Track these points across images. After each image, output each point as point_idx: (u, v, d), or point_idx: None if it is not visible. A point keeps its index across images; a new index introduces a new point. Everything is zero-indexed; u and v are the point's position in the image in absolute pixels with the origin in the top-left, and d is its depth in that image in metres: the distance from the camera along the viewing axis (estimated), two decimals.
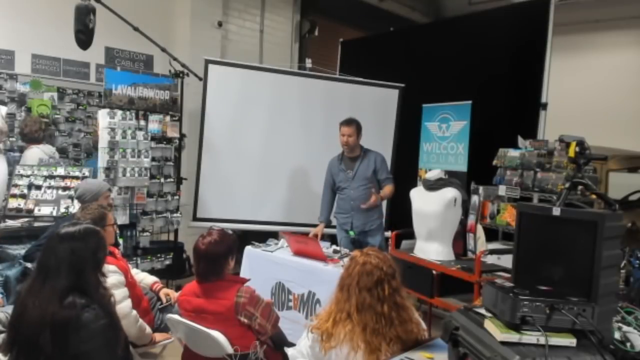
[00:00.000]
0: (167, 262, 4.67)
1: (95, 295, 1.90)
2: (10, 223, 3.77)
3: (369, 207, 4.06)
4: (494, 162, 3.80)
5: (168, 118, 4.75)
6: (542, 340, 1.38)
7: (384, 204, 5.20)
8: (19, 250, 3.44)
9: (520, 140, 3.76)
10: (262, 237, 4.19)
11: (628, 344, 1.59)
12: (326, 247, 3.88)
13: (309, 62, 6.06)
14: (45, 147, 4.47)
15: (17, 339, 1.86)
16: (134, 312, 2.73)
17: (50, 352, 1.79)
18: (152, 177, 4.58)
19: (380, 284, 1.95)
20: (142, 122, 4.53)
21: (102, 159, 4.23)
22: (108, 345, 1.88)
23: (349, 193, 4.22)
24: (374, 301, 1.93)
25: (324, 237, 4.61)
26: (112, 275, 2.64)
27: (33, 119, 4.51)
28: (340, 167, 4.28)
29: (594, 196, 2.48)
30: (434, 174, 3.45)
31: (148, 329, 2.83)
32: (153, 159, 4.57)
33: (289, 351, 2.22)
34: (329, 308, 2.06)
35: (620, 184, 4.82)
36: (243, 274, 3.83)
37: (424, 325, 2.06)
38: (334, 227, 4.47)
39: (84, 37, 3.91)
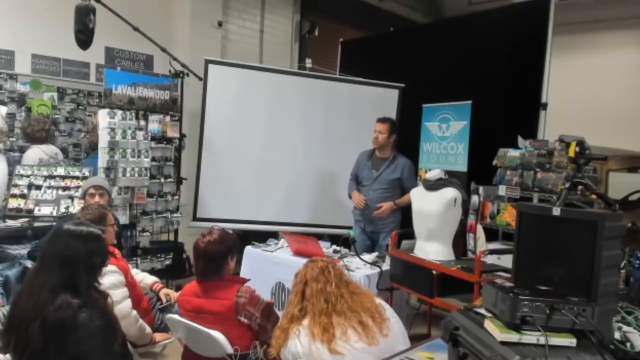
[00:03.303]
0: (167, 262, 4.67)
1: (87, 297, 1.90)
2: (10, 223, 3.77)
3: (378, 215, 4.10)
4: (494, 162, 3.80)
5: (168, 118, 4.75)
6: (542, 340, 1.37)
7: None
8: (19, 250, 3.45)
9: (520, 140, 3.76)
10: (262, 237, 4.20)
11: (628, 344, 1.58)
12: (326, 247, 3.89)
13: (309, 62, 6.05)
14: (48, 147, 4.46)
15: (12, 326, 1.87)
16: (134, 312, 2.73)
17: (39, 349, 1.79)
18: (152, 177, 4.58)
19: (326, 270, 2.14)
20: (142, 122, 4.53)
21: (102, 159, 4.23)
22: (102, 347, 1.88)
23: (366, 192, 4.24)
24: (321, 285, 2.09)
25: (324, 237, 4.62)
26: (112, 275, 2.64)
27: (37, 118, 4.49)
28: (367, 164, 4.31)
29: (594, 196, 2.48)
30: (434, 174, 3.45)
31: (148, 329, 2.83)
32: (153, 159, 4.57)
33: None
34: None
35: (620, 184, 4.81)
36: (243, 274, 3.83)
37: (379, 300, 2.17)
38: (334, 227, 4.47)
39: (84, 37, 3.91)
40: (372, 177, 4.24)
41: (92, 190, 3.53)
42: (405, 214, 3.92)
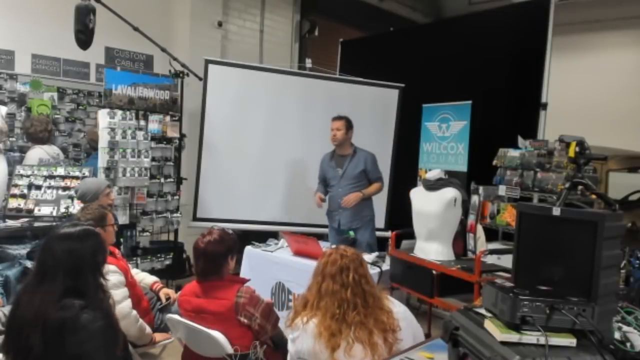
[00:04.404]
0: (167, 262, 4.67)
1: (93, 298, 1.88)
2: (10, 223, 3.76)
3: (349, 205, 4.12)
4: (494, 162, 3.81)
5: (168, 118, 4.75)
6: (542, 340, 1.37)
7: (382, 202, 5.20)
8: (19, 250, 3.44)
9: (520, 140, 3.76)
10: (262, 237, 4.20)
11: (628, 344, 1.58)
12: (326, 247, 3.88)
13: (309, 62, 6.05)
14: (50, 147, 4.46)
15: (11, 336, 1.86)
16: (134, 312, 2.73)
17: (40, 352, 1.77)
18: (152, 177, 4.59)
19: (345, 271, 2.05)
20: (142, 122, 4.53)
21: (102, 159, 4.23)
22: (104, 348, 1.87)
23: (337, 191, 4.27)
24: (337, 287, 2.02)
25: (324, 237, 4.61)
26: (112, 275, 2.64)
27: (39, 118, 4.49)
28: (331, 164, 4.34)
29: (594, 196, 2.48)
30: (434, 174, 3.45)
31: (148, 329, 2.83)
32: (153, 159, 4.57)
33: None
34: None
35: (620, 184, 4.81)
36: (243, 274, 3.83)
37: (395, 314, 2.10)
38: None
39: (84, 37, 3.91)
40: (338, 175, 4.27)
41: (108, 190, 3.56)
42: (404, 213, 3.91)
